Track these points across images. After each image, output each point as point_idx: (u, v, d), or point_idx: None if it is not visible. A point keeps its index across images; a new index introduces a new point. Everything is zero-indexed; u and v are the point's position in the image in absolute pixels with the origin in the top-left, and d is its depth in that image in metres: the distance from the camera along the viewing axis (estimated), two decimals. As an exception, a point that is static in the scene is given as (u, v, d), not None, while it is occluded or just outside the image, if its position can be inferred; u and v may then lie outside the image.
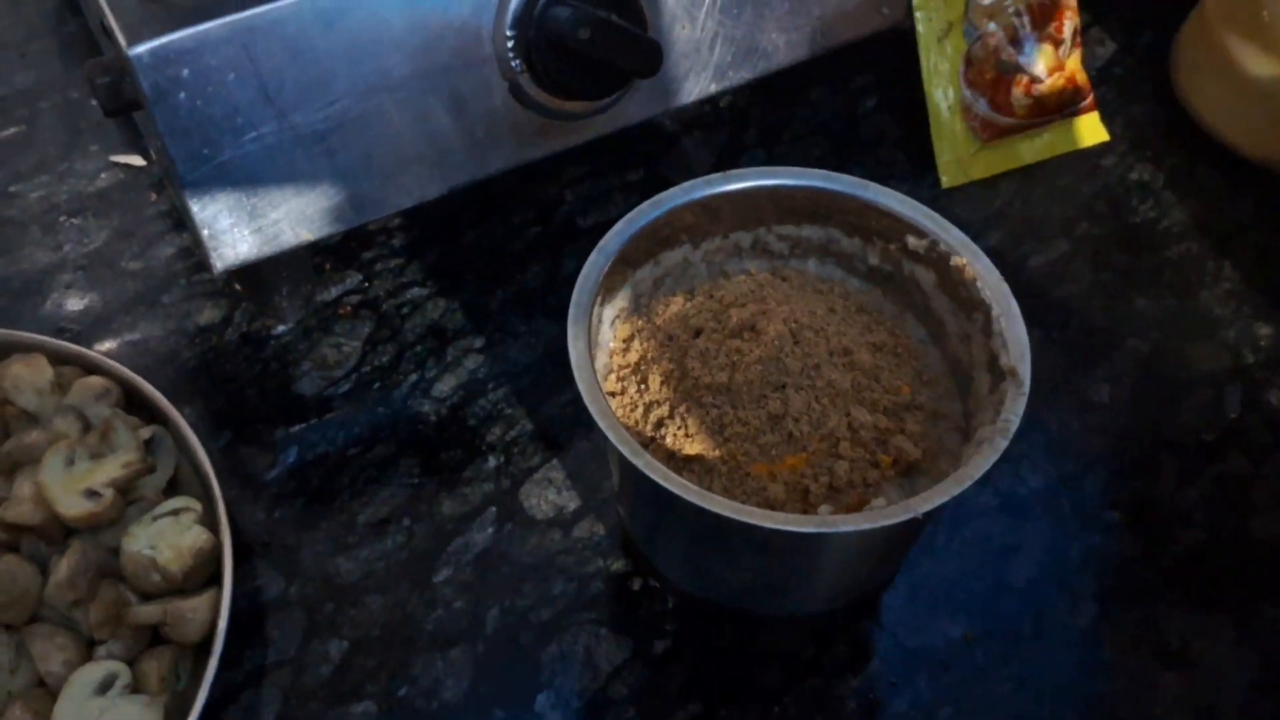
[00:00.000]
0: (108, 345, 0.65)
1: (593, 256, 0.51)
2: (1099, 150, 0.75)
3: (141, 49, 0.51)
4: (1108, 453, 0.61)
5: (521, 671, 0.54)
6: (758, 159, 0.74)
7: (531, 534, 0.58)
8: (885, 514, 0.42)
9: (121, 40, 0.51)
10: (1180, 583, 0.57)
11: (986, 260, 0.50)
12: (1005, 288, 0.49)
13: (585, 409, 0.46)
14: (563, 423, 0.62)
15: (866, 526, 0.42)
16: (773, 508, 0.47)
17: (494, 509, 0.59)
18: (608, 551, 0.58)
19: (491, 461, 0.61)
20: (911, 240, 0.53)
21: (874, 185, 0.53)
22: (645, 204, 0.53)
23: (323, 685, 0.53)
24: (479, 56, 0.58)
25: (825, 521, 0.43)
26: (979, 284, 0.50)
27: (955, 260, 0.51)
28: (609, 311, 0.53)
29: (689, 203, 0.53)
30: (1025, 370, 0.47)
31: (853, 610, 0.55)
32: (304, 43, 0.54)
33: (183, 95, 0.52)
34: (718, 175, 0.54)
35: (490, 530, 0.58)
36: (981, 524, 0.58)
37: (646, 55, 0.59)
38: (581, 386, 0.46)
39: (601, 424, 0.45)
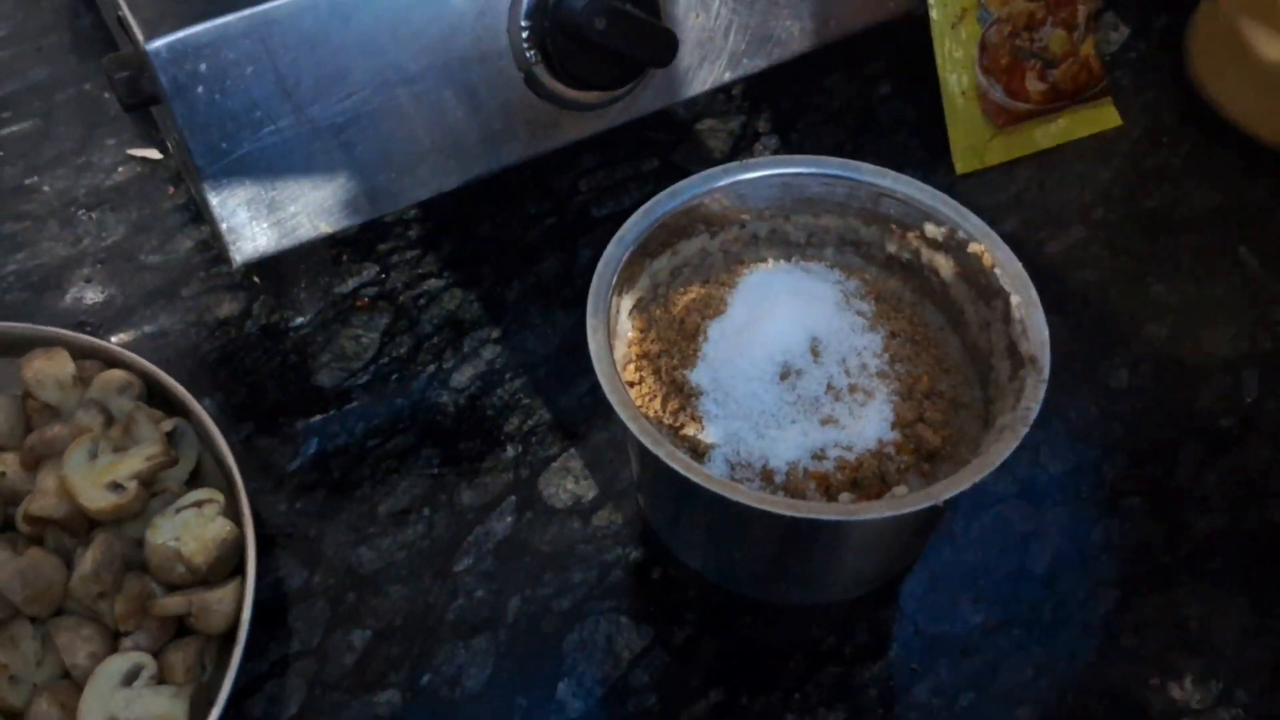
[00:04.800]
0: (128, 338, 0.65)
1: (610, 247, 0.51)
2: (1114, 135, 0.75)
3: (159, 43, 0.51)
4: (1126, 438, 0.61)
5: (543, 660, 0.54)
6: (771, 146, 0.74)
7: (551, 523, 0.58)
8: (906, 502, 0.43)
9: (139, 35, 0.52)
10: (1200, 568, 0.57)
11: (1006, 248, 0.50)
12: (1025, 275, 0.49)
13: (602, 398, 0.46)
14: (580, 412, 0.62)
15: (888, 514, 0.42)
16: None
17: (513, 498, 0.59)
18: (627, 540, 0.58)
19: (510, 451, 0.61)
20: (930, 228, 0.53)
21: (892, 173, 0.53)
22: (662, 194, 0.53)
23: (346, 675, 0.54)
24: (494, 48, 0.58)
25: (847, 510, 0.43)
26: (998, 271, 0.50)
27: (974, 247, 0.51)
28: (627, 301, 0.53)
29: (707, 192, 0.53)
30: (1045, 358, 0.47)
31: (873, 598, 0.55)
32: (321, 36, 0.54)
33: (201, 89, 0.53)
34: (735, 164, 0.54)
35: (510, 520, 0.59)
36: (1001, 510, 0.59)
37: (662, 45, 0.60)
38: (602, 378, 0.46)
39: (623, 415, 0.45)
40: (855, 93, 0.77)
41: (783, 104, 0.77)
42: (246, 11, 0.52)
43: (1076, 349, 0.64)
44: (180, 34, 0.51)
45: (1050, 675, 0.54)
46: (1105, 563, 0.57)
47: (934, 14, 0.70)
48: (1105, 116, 0.75)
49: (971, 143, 0.72)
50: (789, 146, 0.74)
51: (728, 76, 0.67)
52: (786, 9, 0.66)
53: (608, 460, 0.60)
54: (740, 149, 0.74)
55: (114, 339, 0.65)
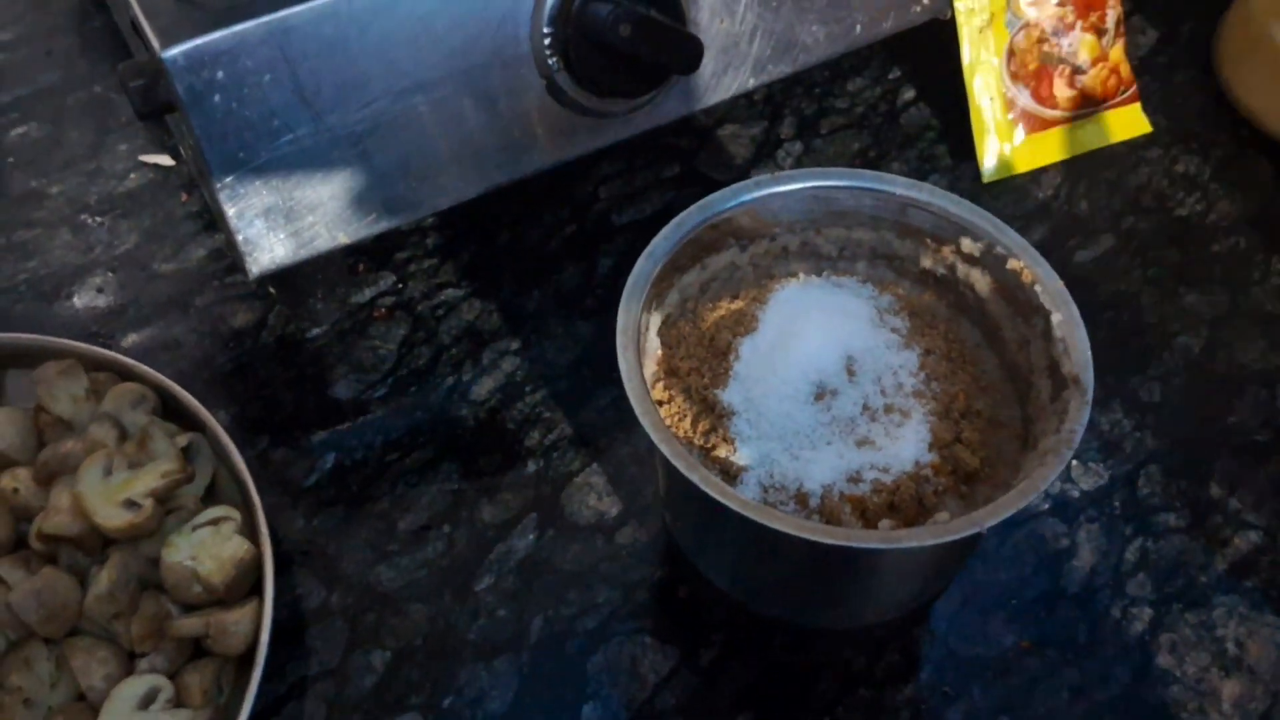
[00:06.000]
0: (140, 349, 0.64)
1: (640, 263, 0.49)
2: (1142, 142, 0.74)
3: (175, 51, 0.50)
4: (1160, 453, 0.60)
5: (567, 682, 0.53)
6: (795, 152, 0.73)
7: (574, 540, 0.57)
8: (950, 529, 0.41)
9: (155, 42, 0.50)
10: (1238, 586, 0.56)
11: (1045, 264, 0.49)
12: (1066, 293, 0.48)
13: (625, 412, 0.45)
14: (602, 426, 0.61)
15: (931, 542, 0.41)
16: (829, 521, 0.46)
17: (535, 515, 0.58)
18: (651, 558, 0.57)
19: (531, 466, 0.60)
20: (966, 243, 0.51)
21: (928, 186, 0.52)
22: (692, 208, 0.51)
23: (366, 696, 0.53)
24: (516, 55, 0.57)
25: (888, 537, 0.42)
26: (1038, 288, 0.49)
27: (1013, 264, 0.50)
28: (655, 318, 0.51)
29: (736, 205, 0.52)
30: (1088, 378, 0.45)
31: (904, 617, 0.54)
32: (340, 43, 0.53)
33: (218, 98, 0.51)
34: (766, 177, 0.53)
35: (532, 537, 0.57)
36: (1033, 527, 0.57)
37: (687, 51, 0.58)
38: (632, 398, 0.45)
39: (655, 437, 0.43)
40: (880, 98, 0.76)
41: (806, 109, 0.75)
42: (265, 18, 0.51)
43: (1108, 361, 0.63)
44: (197, 41, 0.50)
45: (1086, 699, 0.52)
46: (1140, 581, 0.56)
47: (961, 19, 0.69)
48: (1134, 123, 0.73)
49: (998, 150, 0.71)
50: (812, 152, 0.73)
51: (751, 83, 0.65)
52: (813, 15, 0.65)
53: (630, 475, 0.59)
54: (763, 155, 0.73)
55: (126, 349, 0.64)
